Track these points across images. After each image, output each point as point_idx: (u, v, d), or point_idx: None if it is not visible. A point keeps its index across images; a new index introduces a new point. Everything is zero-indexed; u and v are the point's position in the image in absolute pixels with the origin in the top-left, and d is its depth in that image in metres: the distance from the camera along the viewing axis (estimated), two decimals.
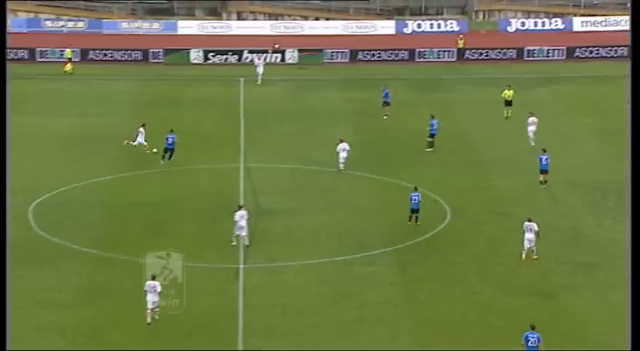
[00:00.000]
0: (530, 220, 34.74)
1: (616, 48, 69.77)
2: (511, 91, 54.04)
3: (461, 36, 72.56)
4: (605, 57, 69.24)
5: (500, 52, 70.49)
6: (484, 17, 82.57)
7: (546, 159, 42.31)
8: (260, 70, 63.24)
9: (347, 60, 70.10)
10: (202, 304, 31.16)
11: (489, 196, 41.70)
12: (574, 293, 32.36)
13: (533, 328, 27.72)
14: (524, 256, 34.62)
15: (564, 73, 64.80)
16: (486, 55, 70.16)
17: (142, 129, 46.75)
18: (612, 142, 48.73)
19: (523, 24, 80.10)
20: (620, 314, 30.68)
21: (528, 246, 34.55)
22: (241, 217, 35.62)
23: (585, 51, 70.09)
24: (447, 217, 38.93)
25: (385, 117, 54.07)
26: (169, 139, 45.49)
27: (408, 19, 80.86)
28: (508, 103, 53.55)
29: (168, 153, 45.46)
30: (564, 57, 69.73)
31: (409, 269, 34.35)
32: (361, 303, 31.58)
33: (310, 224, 38.58)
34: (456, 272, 34.01)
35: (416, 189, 38.47)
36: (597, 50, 70.07)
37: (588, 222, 38.68)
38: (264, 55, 67.83)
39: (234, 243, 35.66)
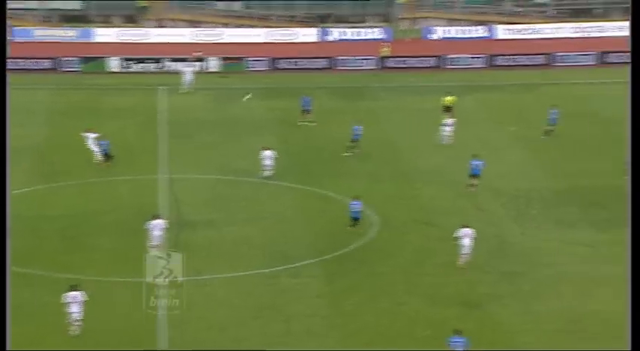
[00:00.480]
0: (465, 226, 34.69)
1: (537, 56, 70.48)
2: (451, 98, 54.19)
3: (385, 44, 72.63)
4: (527, 65, 69.83)
5: (423, 60, 70.69)
6: (408, 25, 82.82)
7: (477, 165, 42.47)
8: (188, 77, 62.48)
9: (269, 68, 69.60)
10: (124, 319, 30.34)
11: (415, 206, 41.51)
12: (499, 303, 32.26)
13: (457, 332, 27.65)
14: (461, 262, 34.48)
15: (487, 81, 65.19)
16: (409, 63, 70.28)
17: (90, 134, 46.21)
18: (536, 150, 49.05)
19: (447, 32, 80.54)
20: (544, 324, 30.74)
21: (465, 252, 34.42)
22: (155, 226, 35.00)
23: (508, 59, 70.64)
24: (373, 227, 38.55)
25: (304, 123, 53.74)
26: (103, 145, 45.84)
27: (331, 27, 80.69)
28: (447, 109, 53.53)
29: (106, 157, 45.71)
30: (486, 65, 70.17)
31: (335, 280, 33.98)
32: (287, 316, 31.16)
33: (233, 236, 37.97)
34: (383, 283, 33.71)
35: (356, 197, 38.14)
36: (519, 58, 70.65)
37: (512, 230, 38.70)
38: (192, 63, 66.93)
39: (150, 254, 35.00)
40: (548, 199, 42.15)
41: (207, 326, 30.40)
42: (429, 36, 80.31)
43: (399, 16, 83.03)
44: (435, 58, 70.44)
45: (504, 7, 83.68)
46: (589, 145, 49.82)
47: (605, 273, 34.48)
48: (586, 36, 77.65)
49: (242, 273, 34.29)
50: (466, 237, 34.51)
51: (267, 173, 44.05)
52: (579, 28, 79.20)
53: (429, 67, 69.72)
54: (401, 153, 49.26)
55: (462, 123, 50.86)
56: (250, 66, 69.42)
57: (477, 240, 35.21)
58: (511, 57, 70.65)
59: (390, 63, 70.23)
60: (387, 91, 63.19)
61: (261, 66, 69.66)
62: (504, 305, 32.04)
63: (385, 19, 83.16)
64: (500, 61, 70.44)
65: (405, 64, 70.18)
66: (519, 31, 79.97)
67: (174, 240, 36.13)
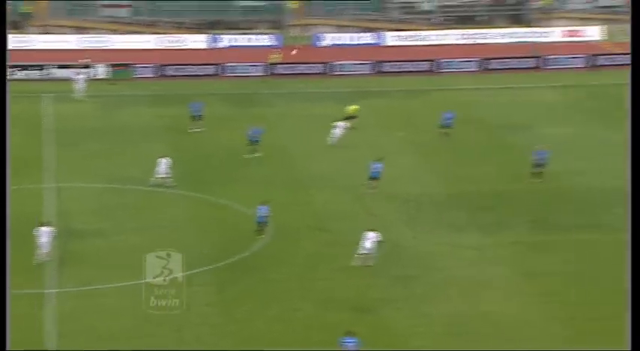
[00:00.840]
0: (371, 230, 34.94)
1: (423, 62, 71.38)
2: (355, 107, 54.72)
3: (275, 50, 72.60)
4: (414, 71, 70.65)
5: (312, 67, 70.91)
6: (299, 32, 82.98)
7: (377, 168, 43.05)
8: (80, 85, 61.30)
9: (156, 75, 68.79)
10: (12, 333, 29.44)
11: (308, 211, 41.54)
12: (392, 307, 32.57)
13: (349, 333, 27.89)
14: (358, 263, 34.66)
15: (374, 87, 65.72)
16: (298, 70, 70.41)
17: None
18: (425, 155, 49.65)
19: (336, 39, 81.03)
20: (436, 326, 31.13)
21: (365, 253, 34.66)
22: (43, 234, 34.47)
23: (395, 65, 71.36)
24: (266, 233, 38.40)
25: (196, 130, 53.31)
26: None
27: (220, 34, 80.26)
28: (350, 118, 53.91)
29: None
30: (373, 71, 70.78)
31: (227, 288, 33.80)
32: (178, 325, 30.80)
33: (123, 245, 37.36)
34: (276, 289, 33.65)
35: (264, 202, 38.06)
36: (405, 65, 71.44)
37: (404, 235, 39.08)
38: (84, 70, 65.61)
39: (39, 262, 34.32)
40: (438, 204, 42.72)
41: (97, 336, 29.94)
42: (318, 43, 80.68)
43: (290, 23, 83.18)
44: (323, 64, 70.79)
45: (393, 14, 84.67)
46: (476, 151, 50.69)
47: (492, 275, 35.15)
48: (471, 43, 79.08)
49: (132, 282, 33.73)
50: (369, 240, 34.78)
51: (163, 181, 43.62)
52: (465, 34, 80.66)
53: (318, 74, 70.03)
54: (294, 159, 49.24)
55: (351, 128, 51.19)
56: (138, 73, 68.50)
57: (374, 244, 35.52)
58: (398, 63, 71.41)
59: (280, 69, 70.25)
60: (277, 97, 63.16)
61: (149, 73, 68.78)
62: (397, 309, 32.33)
63: (276, 25, 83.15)
64: (387, 67, 71.12)
65: (295, 70, 70.29)
66: (407, 37, 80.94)
67: (62, 249, 35.38)
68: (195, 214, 41.15)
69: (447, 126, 52.53)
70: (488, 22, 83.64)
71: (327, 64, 70.64)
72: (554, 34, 79.75)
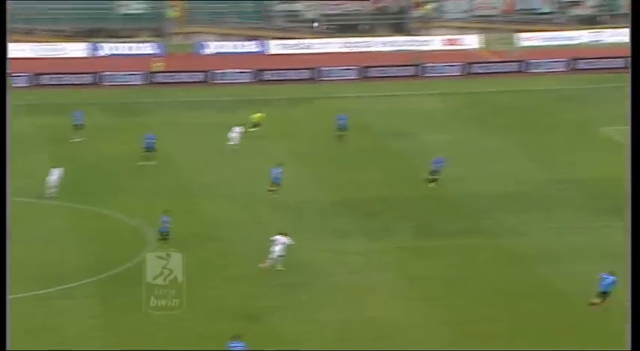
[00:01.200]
0: (281, 234, 35.21)
1: (305, 70, 71.76)
2: (260, 115, 54.95)
3: (157, 59, 71.96)
4: (296, 79, 70.94)
5: (193, 75, 70.54)
6: (181, 40, 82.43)
7: (277, 173, 43.74)
8: None
9: (31, 84, 67.31)
10: None
11: (196, 220, 41.31)
12: (281, 314, 32.62)
13: (236, 337, 28.08)
14: (267, 266, 34.85)
15: (256, 96, 65.78)
16: (180, 78, 69.93)
17: None
18: (308, 163, 49.89)
19: (220, 47, 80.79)
20: (325, 333, 31.32)
21: (274, 257, 34.83)
22: None
23: (276, 73, 71.52)
24: (151, 243, 37.99)
25: (77, 140, 52.45)
26: None
27: (101, 42, 79.07)
28: (255, 125, 54.29)
29: None
30: (255, 79, 70.83)
31: (110, 300, 33.34)
32: (62, 337, 30.44)
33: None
34: None
35: (166, 212, 37.82)
36: (288, 73, 71.67)
37: (291, 242, 39.11)
38: None
39: None
40: (322, 211, 43.03)
41: None
42: (201, 51, 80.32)
43: (172, 31, 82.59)
44: (204, 73, 70.54)
45: (276, 22, 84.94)
46: (360, 158, 51.24)
47: (377, 281, 35.56)
48: (353, 51, 79.94)
49: (13, 296, 32.85)
50: (279, 244, 35.00)
51: (52, 191, 42.87)
52: (348, 43, 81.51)
53: (200, 82, 69.73)
54: (179, 168, 48.92)
55: (252, 136, 51.44)
56: (13, 82, 66.77)
57: (253, 252, 35.45)
58: (280, 71, 71.61)
59: (160, 78, 69.63)
60: (158, 106, 62.61)
61: (23, 82, 67.13)
62: (286, 316, 32.44)
63: (157, 34, 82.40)
64: (269, 75, 71.28)
65: (175, 78, 69.77)
66: (290, 46, 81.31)
67: None
68: (77, 225, 40.44)
69: (343, 128, 53.13)
70: (370, 31, 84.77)
71: (208, 73, 70.43)
72: (434, 42, 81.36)
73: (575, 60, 73.25)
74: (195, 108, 61.52)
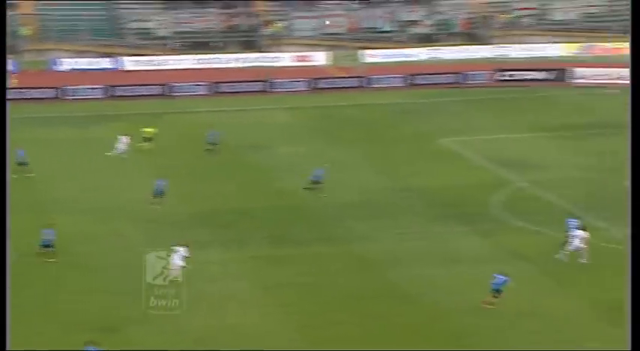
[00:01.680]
0: (180, 245, 35.63)
1: (156, 86, 72.28)
2: (151, 129, 55.67)
3: (13, 76, 71.20)
4: (149, 95, 71.39)
5: (45, 91, 70.29)
6: (34, 56, 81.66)
7: (160, 185, 45.25)
8: None
9: None
10: None
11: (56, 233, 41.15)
12: (141, 324, 32.93)
13: (90, 343, 28.83)
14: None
15: (109, 111, 66.09)
16: (31, 95, 69.45)
17: None
18: (166, 177, 50.17)
19: (75, 63, 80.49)
20: (189, 341, 31.84)
21: (176, 268, 35.00)
22: None
23: (128, 89, 71.90)
24: (55, 257, 38.30)
25: None
26: None
27: None
28: (147, 139, 55.10)
29: None
30: (107, 95, 71.17)
31: None
32: None
33: None
34: (17, 314, 32.60)
35: (49, 225, 38.39)
36: (140, 88, 72.10)
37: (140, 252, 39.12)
38: None
39: None
40: (180, 222, 43.63)
41: None
42: (55, 67, 79.80)
43: (24, 48, 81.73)
44: (55, 89, 70.37)
45: (129, 39, 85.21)
46: (217, 170, 52.24)
47: (235, 289, 36.40)
48: (206, 67, 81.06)
49: None
50: (178, 254, 35.29)
51: None
52: (200, 59, 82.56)
53: (52, 98, 69.61)
54: (35, 183, 48.79)
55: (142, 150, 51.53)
56: None
57: (114, 267, 35.81)
58: (131, 87, 72.03)
59: (13, 94, 68.78)
60: (12, 122, 61.74)
61: None
62: (146, 326, 32.79)
63: (10, 51, 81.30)
64: (120, 91, 71.63)
65: (25, 95, 69.11)
66: (145, 62, 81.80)
67: None
68: None
69: (213, 142, 54.78)
70: (222, 48, 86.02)
71: (59, 89, 70.40)
72: (284, 59, 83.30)
73: (413, 75, 76.41)
74: (47, 124, 61.41)
